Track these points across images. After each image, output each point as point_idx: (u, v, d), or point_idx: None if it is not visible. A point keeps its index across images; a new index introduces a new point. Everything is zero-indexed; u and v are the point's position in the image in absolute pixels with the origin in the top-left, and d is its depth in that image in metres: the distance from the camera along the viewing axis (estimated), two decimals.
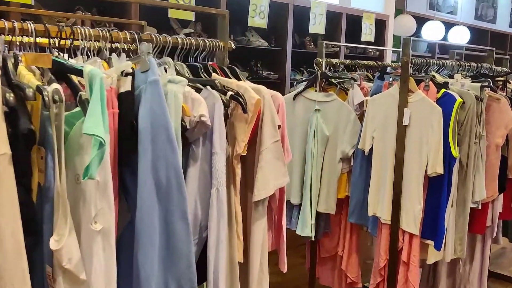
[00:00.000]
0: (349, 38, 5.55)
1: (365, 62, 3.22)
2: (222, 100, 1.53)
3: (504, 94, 2.89)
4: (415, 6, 8.19)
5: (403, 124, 2.57)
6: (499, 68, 3.35)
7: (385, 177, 2.67)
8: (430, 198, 2.54)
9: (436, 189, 2.52)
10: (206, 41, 1.91)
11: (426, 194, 2.55)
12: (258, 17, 4.46)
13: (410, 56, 2.57)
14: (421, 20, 7.46)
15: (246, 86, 1.64)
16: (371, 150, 2.71)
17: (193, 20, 4.07)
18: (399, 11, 7.15)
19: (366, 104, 2.77)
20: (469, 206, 2.58)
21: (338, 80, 2.94)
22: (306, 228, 2.84)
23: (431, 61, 2.75)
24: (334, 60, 3.04)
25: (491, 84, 2.76)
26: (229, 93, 1.58)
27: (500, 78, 2.93)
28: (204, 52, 1.91)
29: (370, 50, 5.68)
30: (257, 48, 4.66)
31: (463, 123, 2.52)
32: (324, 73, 2.89)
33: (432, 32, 7.41)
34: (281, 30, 4.81)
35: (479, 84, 2.67)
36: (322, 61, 2.91)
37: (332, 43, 3.65)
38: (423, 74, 2.75)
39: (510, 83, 2.92)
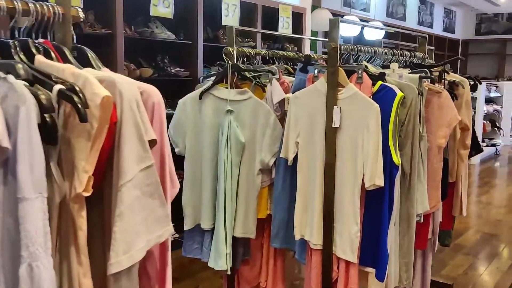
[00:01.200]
0: (266, 34, 4.98)
1: (285, 53, 2.63)
2: (38, 99, 0.83)
3: (442, 87, 2.41)
4: (330, 3, 7.82)
5: (332, 126, 2.00)
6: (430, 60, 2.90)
7: (313, 192, 2.08)
8: (369, 217, 1.99)
9: (376, 206, 1.97)
10: (32, 4, 1.16)
11: (364, 211, 2.00)
12: (162, 6, 3.75)
13: (339, 41, 1.99)
14: (336, 17, 7.08)
15: (87, 76, 0.93)
16: (296, 158, 2.12)
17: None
18: (314, 7, 6.72)
19: (287, 103, 2.17)
20: (414, 222, 2.06)
21: (254, 74, 2.32)
22: (220, 259, 2.20)
23: (362, 48, 2.21)
24: (247, 50, 2.41)
25: (430, 75, 2.26)
26: (57, 87, 0.88)
27: (436, 69, 2.45)
28: (29, 22, 1.17)
29: (287, 46, 5.13)
30: (163, 41, 3.95)
31: (404, 123, 1.99)
32: (236, 65, 2.25)
33: (348, 28, 7.04)
34: (190, 21, 4.13)
35: (417, 75, 2.16)
36: (233, 51, 2.27)
37: (246, 28, 3.01)
38: (354, 64, 2.20)
39: (448, 73, 2.46)
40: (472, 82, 2.58)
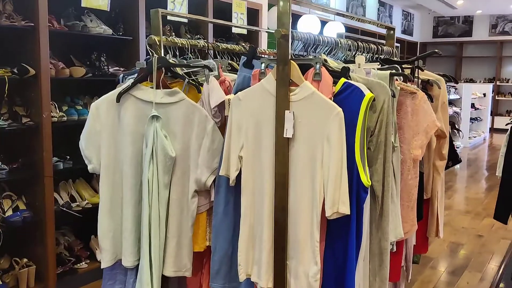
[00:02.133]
0: (219, 31, 4.48)
1: (229, 46, 2.13)
2: None
3: (416, 87, 1.97)
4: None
5: (284, 136, 1.52)
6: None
7: (261, 220, 1.59)
8: (331, 253, 1.51)
9: (340, 238, 1.49)
10: None
11: (325, 246, 1.52)
12: None
13: (290, 28, 1.51)
14: (294, 16, 6.69)
15: None
16: (240, 177, 1.63)
17: None
18: (271, 6, 6.27)
19: (228, 106, 1.68)
20: (388, 257, 1.60)
21: (187, 70, 1.81)
22: None
23: (320, 37, 1.73)
24: (178, 40, 1.90)
25: (401, 71, 1.81)
26: None
27: (408, 66, 2.01)
28: None
29: (243, 44, 4.63)
30: (98, 37, 3.38)
31: (375, 131, 1.52)
32: (163, 58, 1.74)
33: (308, 27, 6.63)
34: (130, 15, 3.57)
35: (388, 72, 1.70)
36: (160, 40, 1.76)
37: (178, 14, 2.46)
38: (311, 56, 1.73)
39: (423, 70, 2.03)
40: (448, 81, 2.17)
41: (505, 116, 11.39)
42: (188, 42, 1.92)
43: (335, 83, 1.51)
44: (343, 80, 1.49)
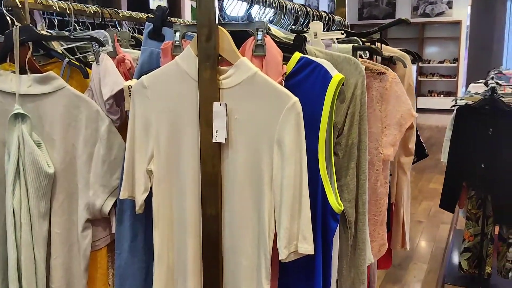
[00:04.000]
0: (135, 6, 3.81)
1: (133, 13, 1.54)
2: None
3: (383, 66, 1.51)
4: None
5: (214, 140, 0.99)
6: None
7: (183, 263, 1.07)
8: None
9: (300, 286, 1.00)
10: None
11: None
12: None
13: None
14: None
15: None
16: (150, 200, 1.09)
17: None
18: None
19: (129, 96, 1.12)
20: None
21: (68, 46, 1.22)
22: None
23: None
24: (55, 2, 1.29)
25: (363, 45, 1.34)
26: None
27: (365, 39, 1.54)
28: None
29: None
30: None
31: (343, 130, 1.03)
32: (28, 28, 1.14)
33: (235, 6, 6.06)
34: None
35: (350, 46, 1.22)
36: (23, 2, 1.15)
37: None
38: (247, 21, 1.21)
39: (387, 45, 1.58)
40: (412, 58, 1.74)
41: (427, 96, 11.56)
42: (71, 6, 1.31)
43: (286, 60, 1.00)
44: (298, 55, 0.98)
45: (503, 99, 2.85)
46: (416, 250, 3.50)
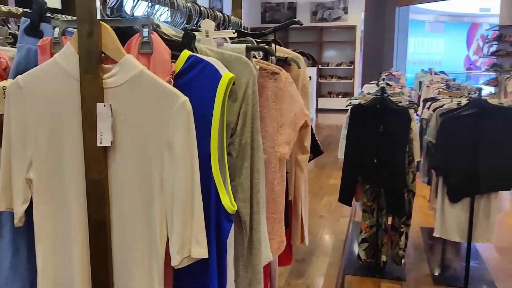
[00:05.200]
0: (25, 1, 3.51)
1: (5, 7, 1.39)
2: None
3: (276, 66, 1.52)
4: None
5: (98, 144, 0.92)
6: None
7: (70, 273, 0.98)
8: None
9: None
10: None
11: None
12: None
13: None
14: None
15: None
16: (30, 211, 0.99)
17: None
18: None
19: (4, 98, 1.00)
20: None
21: None
22: None
23: None
24: None
25: (258, 46, 1.34)
26: None
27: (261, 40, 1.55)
28: None
29: None
30: None
31: (236, 129, 1.02)
32: None
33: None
34: None
35: (243, 46, 1.21)
36: None
37: None
38: (132, 16, 1.14)
39: (281, 45, 1.60)
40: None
41: (327, 97, 12.12)
42: None
43: (174, 58, 0.96)
44: (187, 53, 0.94)
45: (391, 98, 3.05)
46: (319, 244, 3.62)
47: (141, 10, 1.30)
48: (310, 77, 10.30)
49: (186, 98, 0.88)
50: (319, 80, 11.97)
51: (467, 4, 14.29)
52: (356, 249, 3.13)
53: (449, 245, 3.17)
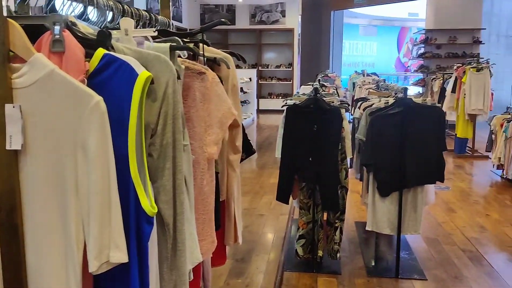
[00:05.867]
0: None
1: None
2: None
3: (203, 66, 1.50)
4: None
5: (7, 148, 0.86)
6: None
7: None
8: None
9: None
10: None
11: None
12: None
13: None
14: None
15: None
16: None
17: None
18: None
19: None
20: None
21: None
22: None
23: None
24: None
25: (185, 45, 1.32)
26: None
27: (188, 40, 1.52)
28: None
29: None
30: None
31: (157, 130, 0.99)
32: None
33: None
34: None
35: (167, 45, 1.19)
36: None
37: None
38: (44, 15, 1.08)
39: (209, 45, 1.57)
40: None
41: (267, 98, 12.24)
42: None
43: (89, 57, 0.92)
44: (101, 51, 0.90)
45: (325, 99, 3.12)
46: (259, 243, 3.63)
47: (64, 8, 1.24)
48: (250, 79, 10.36)
49: (100, 98, 0.84)
50: (260, 82, 12.06)
51: (397, 9, 14.97)
52: (294, 245, 3.17)
53: (382, 237, 3.28)
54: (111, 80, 0.88)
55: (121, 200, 0.88)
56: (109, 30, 0.95)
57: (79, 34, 0.95)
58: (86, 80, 0.88)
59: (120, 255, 0.86)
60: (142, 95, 0.89)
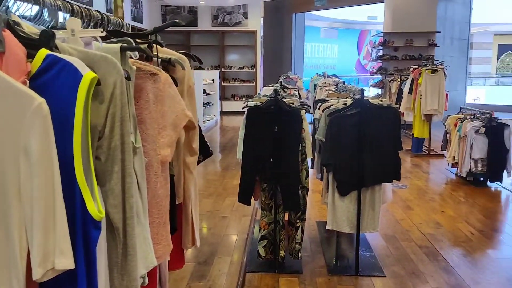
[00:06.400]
0: None
1: None
2: None
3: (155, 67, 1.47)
4: None
5: None
6: None
7: None
8: None
9: None
10: None
11: None
12: None
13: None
14: None
15: None
16: None
17: None
18: None
19: None
20: None
21: None
22: None
23: None
24: None
25: (138, 46, 1.29)
26: None
27: (142, 40, 1.50)
28: None
29: None
30: None
31: (105, 132, 0.96)
32: None
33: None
34: None
35: (118, 45, 1.16)
36: None
37: None
38: None
39: (162, 46, 1.54)
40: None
41: (231, 99, 12.22)
42: None
43: (32, 57, 0.89)
44: (44, 51, 0.87)
45: (285, 100, 3.14)
46: (221, 245, 3.61)
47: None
48: (213, 80, 10.31)
49: (42, 100, 0.81)
50: (223, 83, 12.03)
51: (357, 12, 15.31)
52: (256, 247, 3.17)
53: (342, 236, 3.33)
54: (54, 82, 0.86)
55: (67, 205, 0.85)
56: (54, 30, 0.92)
57: (22, 34, 0.92)
58: (28, 81, 0.85)
59: (66, 262, 0.84)
60: (87, 97, 0.87)
